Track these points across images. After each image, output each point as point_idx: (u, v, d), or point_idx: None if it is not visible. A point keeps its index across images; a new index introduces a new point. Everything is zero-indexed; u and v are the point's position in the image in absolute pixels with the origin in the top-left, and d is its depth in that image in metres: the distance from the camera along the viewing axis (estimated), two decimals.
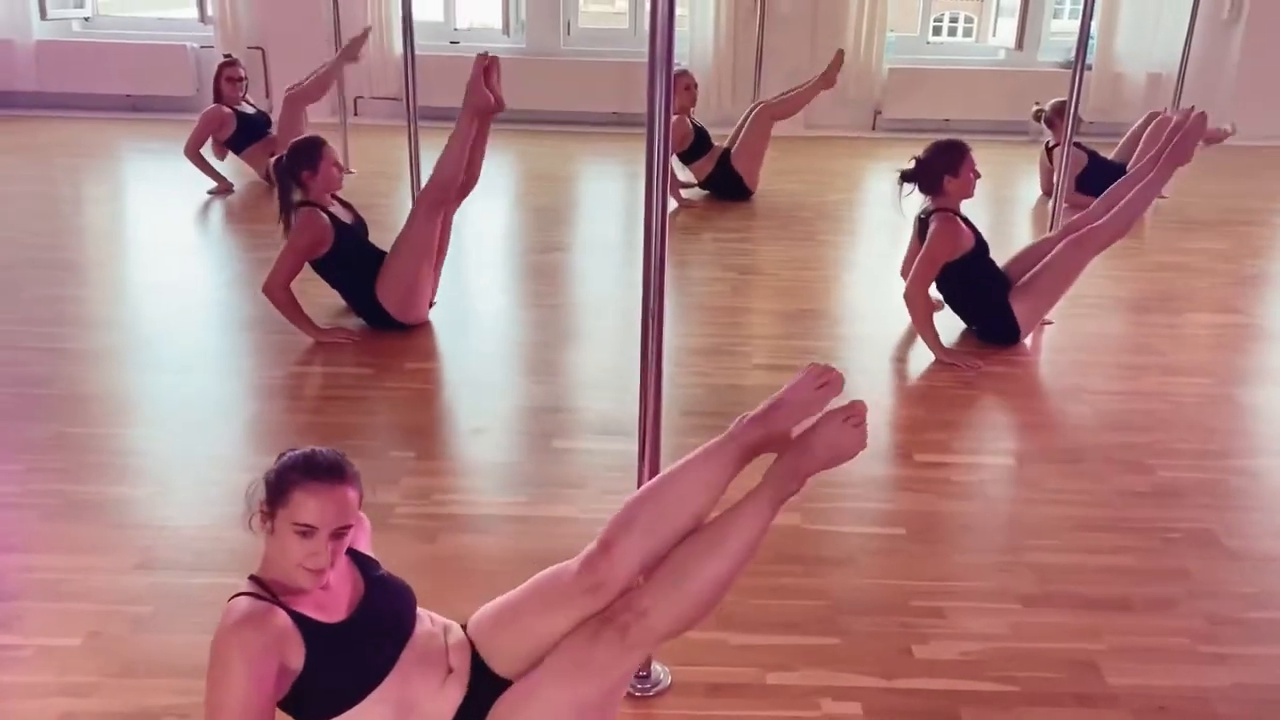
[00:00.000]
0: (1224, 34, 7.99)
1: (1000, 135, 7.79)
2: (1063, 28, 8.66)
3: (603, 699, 1.68)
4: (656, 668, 2.10)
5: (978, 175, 3.78)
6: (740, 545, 1.71)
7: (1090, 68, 7.62)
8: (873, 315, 4.26)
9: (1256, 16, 7.91)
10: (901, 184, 3.83)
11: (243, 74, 6.05)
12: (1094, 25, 7.28)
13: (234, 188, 5.91)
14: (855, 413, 1.75)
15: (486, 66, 3.65)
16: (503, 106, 3.69)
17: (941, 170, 3.74)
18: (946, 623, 2.29)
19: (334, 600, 1.72)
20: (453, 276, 4.50)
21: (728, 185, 6.00)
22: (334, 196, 3.85)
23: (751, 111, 6.11)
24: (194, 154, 5.90)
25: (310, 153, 3.72)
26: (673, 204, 5.86)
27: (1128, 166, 6.03)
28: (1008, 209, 6.13)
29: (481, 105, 3.67)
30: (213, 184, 5.87)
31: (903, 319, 3.88)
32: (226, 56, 6.29)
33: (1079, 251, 3.85)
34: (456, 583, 2.35)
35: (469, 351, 3.90)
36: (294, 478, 1.64)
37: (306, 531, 1.63)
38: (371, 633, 1.70)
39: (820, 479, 2.90)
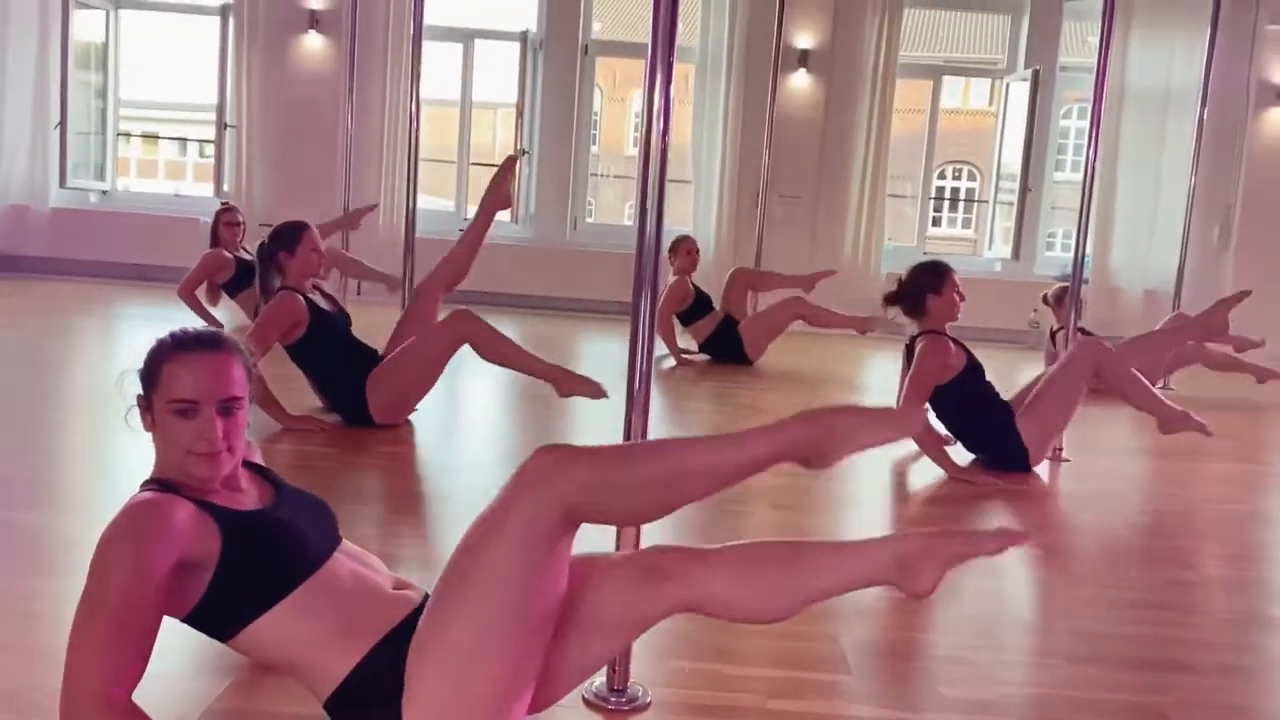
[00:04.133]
0: (1216, 257, 8.15)
1: (998, 342, 7.77)
2: (1055, 257, 8.87)
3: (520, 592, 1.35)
4: (635, 686, 1.74)
5: (962, 297, 3.62)
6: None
7: (1086, 281, 7.71)
8: None
9: (1248, 242, 8.10)
10: (885, 307, 3.71)
11: (240, 219, 6.05)
12: (1089, 244, 7.40)
13: (224, 327, 5.78)
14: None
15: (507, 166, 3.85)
16: (510, 203, 3.89)
17: (923, 289, 3.61)
18: (980, 671, 1.94)
19: (244, 497, 1.46)
20: (445, 391, 4.30)
21: (728, 350, 5.86)
22: (316, 287, 3.72)
23: (730, 276, 6.20)
24: (188, 294, 5.80)
25: (290, 235, 3.61)
26: (671, 361, 5.74)
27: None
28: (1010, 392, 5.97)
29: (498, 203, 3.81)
30: (202, 324, 5.75)
31: (908, 445, 3.63)
32: (224, 204, 6.33)
33: (1084, 362, 3.60)
34: None
35: (453, 444, 3.65)
36: (163, 353, 1.43)
37: (187, 409, 1.39)
38: (294, 523, 1.44)
39: None
